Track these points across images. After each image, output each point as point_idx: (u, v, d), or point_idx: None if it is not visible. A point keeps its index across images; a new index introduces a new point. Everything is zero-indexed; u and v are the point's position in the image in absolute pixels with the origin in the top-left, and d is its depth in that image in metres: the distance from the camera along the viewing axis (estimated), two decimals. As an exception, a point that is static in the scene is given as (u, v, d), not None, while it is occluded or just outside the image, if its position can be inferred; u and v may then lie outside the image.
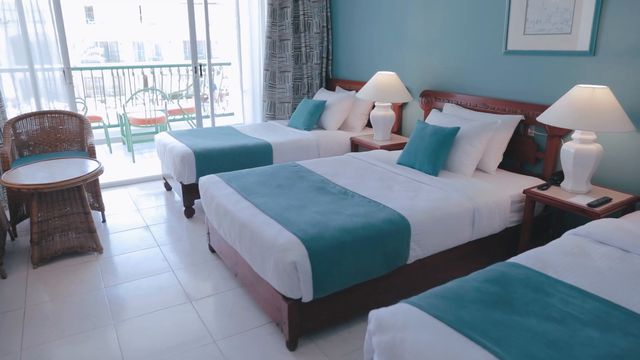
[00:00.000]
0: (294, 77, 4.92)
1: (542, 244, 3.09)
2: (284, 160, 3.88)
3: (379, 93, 3.84)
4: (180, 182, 3.58)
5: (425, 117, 3.92)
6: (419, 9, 3.88)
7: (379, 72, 3.95)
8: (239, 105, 5.09)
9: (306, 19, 4.77)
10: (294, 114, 4.51)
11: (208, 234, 3.04)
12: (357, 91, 4.57)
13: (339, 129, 4.45)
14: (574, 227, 3.02)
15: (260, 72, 4.90)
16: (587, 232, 2.09)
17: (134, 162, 5.44)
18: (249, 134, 4.15)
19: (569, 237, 2.09)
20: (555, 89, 2.98)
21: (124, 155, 5.82)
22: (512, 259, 1.88)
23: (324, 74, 5.07)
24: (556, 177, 2.79)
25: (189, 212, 3.67)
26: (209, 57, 4.63)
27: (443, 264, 2.55)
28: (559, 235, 3.05)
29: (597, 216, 2.40)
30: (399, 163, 3.23)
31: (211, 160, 3.54)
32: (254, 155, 3.73)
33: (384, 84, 3.85)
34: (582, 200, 2.53)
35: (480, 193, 2.67)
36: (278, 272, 1.97)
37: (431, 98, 3.85)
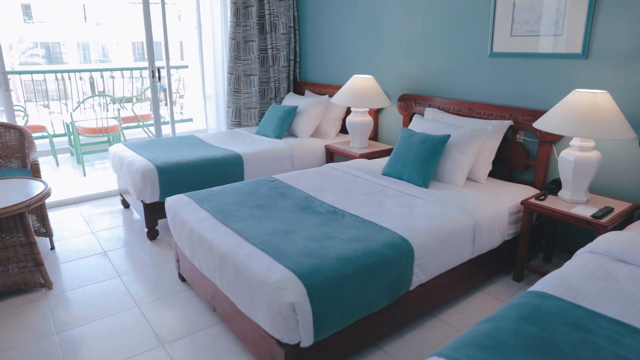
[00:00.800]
0: (260, 80, 4.60)
1: (536, 255, 2.98)
2: (255, 173, 3.57)
3: (355, 98, 3.61)
4: (142, 201, 3.19)
5: (404, 122, 3.72)
6: (397, 8, 3.68)
7: (355, 75, 3.72)
8: (201, 112, 4.71)
9: (272, 18, 4.47)
10: (262, 120, 4.20)
11: (177, 260, 2.68)
12: (330, 95, 4.32)
13: (312, 136, 4.19)
14: (568, 237, 2.94)
15: (224, 76, 4.55)
16: (604, 250, 1.93)
17: (84, 175, 4.93)
18: (215, 144, 3.80)
19: (586, 257, 1.92)
20: (547, 93, 2.85)
21: (73, 168, 5.28)
22: (537, 287, 1.68)
23: (291, 77, 4.79)
24: (553, 186, 2.66)
25: (153, 234, 3.29)
26: (167, 59, 4.22)
27: (444, 285, 2.34)
28: (553, 246, 2.93)
29: (604, 228, 2.27)
30: (384, 174, 3.00)
31: (176, 176, 3.17)
32: (223, 168, 3.39)
33: (360, 88, 3.62)
34: (585, 211, 2.39)
35: (478, 206, 2.49)
36: (272, 315, 1.68)
37: (410, 102, 3.65)
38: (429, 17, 3.46)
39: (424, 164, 2.79)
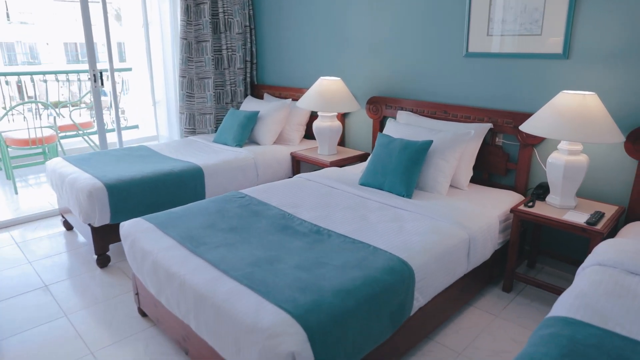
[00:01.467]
0: (216, 84, 4.25)
1: (520, 262, 2.87)
2: (218, 187, 3.24)
3: (323, 101, 3.37)
4: (89, 225, 2.78)
5: (374, 126, 3.54)
6: (363, 6, 3.49)
7: (322, 77, 3.48)
8: (150, 119, 4.29)
9: (226, 17, 4.14)
10: (220, 127, 3.86)
11: (137, 294, 2.32)
12: (293, 99, 4.06)
13: (275, 143, 3.91)
14: (551, 242, 2.87)
15: (175, 79, 4.16)
16: (614, 262, 1.82)
17: (15, 193, 4.35)
18: (171, 155, 3.43)
19: (597, 271, 1.79)
20: (527, 95, 2.75)
21: (1, 185, 4.66)
22: (560, 312, 1.52)
23: (248, 80, 4.48)
24: (539, 191, 2.56)
25: (103, 261, 2.88)
26: (111, 62, 3.78)
27: (440, 306, 2.16)
28: (536, 252, 2.85)
29: (600, 235, 2.18)
30: (362, 184, 2.79)
31: (129, 195, 2.79)
32: (182, 183, 3.04)
33: (328, 91, 3.39)
34: (577, 217, 2.30)
35: (469, 217, 2.33)
36: (266, 367, 1.40)
37: (380, 105, 3.47)
38: (398, 15, 3.29)
39: (406, 172, 2.61)
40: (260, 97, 4.48)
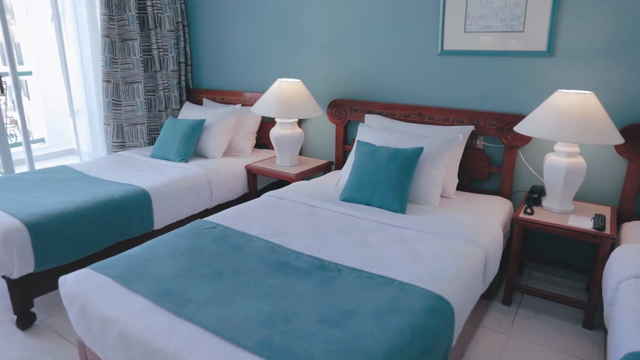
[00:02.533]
0: (146, 89, 3.66)
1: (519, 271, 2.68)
2: (168, 213, 2.72)
3: (283, 107, 2.99)
4: (4, 277, 2.13)
5: (337, 132, 3.23)
6: None
7: (280, 79, 3.09)
8: (63, 131, 3.58)
9: (156, 11, 3.57)
10: (159, 139, 3.30)
11: (86, 367, 1.77)
12: (244, 105, 3.60)
13: (224, 155, 3.44)
14: (538, 246, 2.78)
15: (98, 85, 3.50)
16: (653, 274, 1.69)
17: None
18: (103, 177, 2.83)
19: (637, 284, 1.65)
20: (510, 94, 2.62)
21: None
22: (635, 346, 1.33)
23: (183, 83, 3.93)
24: (535, 196, 2.42)
25: (26, 321, 2.23)
26: (13, 65, 3.05)
27: (467, 333, 1.91)
28: (525, 257, 2.71)
29: (611, 240, 2.07)
30: (346, 200, 2.46)
31: (59, 234, 2.19)
32: (126, 212, 2.48)
33: (288, 95, 3.01)
34: (582, 223, 2.19)
35: (477, 231, 2.11)
36: None
37: (344, 109, 3.17)
38: (362, 9, 3.00)
39: (398, 185, 2.33)
40: (198, 103, 3.95)
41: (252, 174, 3.25)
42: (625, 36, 2.26)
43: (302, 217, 2.27)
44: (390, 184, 2.33)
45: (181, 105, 3.94)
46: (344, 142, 3.27)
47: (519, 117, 2.55)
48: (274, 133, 3.13)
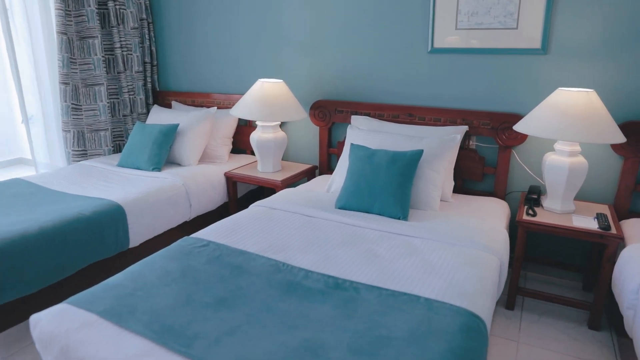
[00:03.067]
0: (109, 92, 3.35)
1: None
2: (145, 229, 2.46)
3: (266, 109, 2.79)
4: (-44, 315, 1.82)
5: (321, 135, 3.08)
6: (301, -4, 2.99)
7: (261, 80, 2.89)
8: (19, 140, 3.21)
9: (117, 7, 3.27)
10: (127, 147, 3.01)
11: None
12: (216, 107, 3.37)
13: (200, 162, 3.20)
14: (534, 249, 2.63)
15: (55, 87, 3.16)
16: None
17: None
18: (67, 190, 2.53)
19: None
20: (505, 93, 2.55)
21: None
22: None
23: (149, 85, 3.64)
24: (535, 196, 2.36)
25: (-16, 364, 1.93)
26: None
27: (483, 350, 1.80)
28: (520, 257, 2.65)
29: (618, 239, 2.03)
30: (343, 207, 2.31)
31: (20, 261, 1.90)
32: (99, 231, 2.21)
33: (270, 97, 2.82)
34: (587, 223, 2.14)
35: (486, 236, 2.02)
36: None
37: (328, 110, 3.02)
38: (347, 5, 2.86)
39: (400, 190, 2.20)
40: (167, 106, 3.68)
41: (232, 182, 3.03)
42: (619, 33, 2.24)
43: (300, 228, 2.10)
44: (391, 190, 2.20)
45: (148, 109, 3.65)
46: (329, 145, 3.11)
47: (514, 116, 2.49)
48: (255, 137, 2.92)
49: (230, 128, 3.29)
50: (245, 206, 3.32)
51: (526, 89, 2.49)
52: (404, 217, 2.18)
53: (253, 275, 1.66)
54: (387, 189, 2.20)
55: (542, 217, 2.22)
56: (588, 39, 2.31)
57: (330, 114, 3.02)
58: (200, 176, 2.88)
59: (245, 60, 3.31)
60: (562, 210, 2.27)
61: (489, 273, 1.74)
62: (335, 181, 2.61)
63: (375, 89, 2.90)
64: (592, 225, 2.12)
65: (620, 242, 2.05)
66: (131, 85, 3.46)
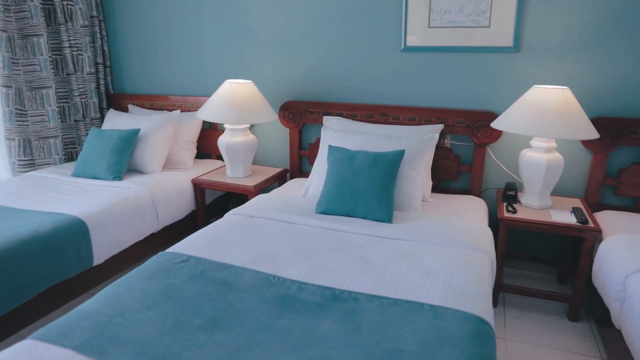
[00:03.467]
0: (59, 95, 3.08)
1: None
2: (110, 244, 2.26)
3: (235, 111, 2.65)
4: None
5: (292, 137, 2.98)
6: (267, -8, 2.87)
7: (230, 81, 2.74)
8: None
9: (65, 3, 3.01)
10: (82, 155, 2.78)
11: None
12: (179, 110, 3.17)
13: (164, 169, 3.00)
14: (509, 244, 2.74)
15: (-6, 92, 2.86)
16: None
17: None
18: (16, 205, 2.28)
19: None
20: (477, 91, 2.56)
21: None
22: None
23: (102, 88, 3.38)
24: (512, 193, 2.38)
25: None
26: None
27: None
28: (502, 255, 2.68)
29: (597, 233, 2.08)
30: (324, 212, 2.22)
31: (-29, 288, 1.67)
32: (59, 249, 1.99)
33: (240, 98, 2.68)
34: (565, 218, 2.19)
35: (476, 236, 2.00)
36: None
37: (299, 111, 2.92)
38: (318, 3, 2.77)
39: (384, 191, 2.15)
40: (123, 110, 3.43)
41: (200, 189, 2.86)
42: (588, 31, 2.30)
43: (283, 236, 1.99)
44: (375, 192, 2.14)
45: (102, 114, 3.39)
46: (300, 147, 3.02)
47: (489, 114, 2.51)
48: (224, 141, 2.77)
49: (194, 132, 3.12)
50: (214, 214, 3.17)
51: (499, 87, 2.52)
52: (389, 219, 2.12)
53: (243, 290, 1.54)
54: (370, 192, 2.14)
55: (522, 213, 2.24)
56: (558, 37, 2.35)
57: (300, 115, 2.93)
58: (166, 184, 2.70)
59: (209, 60, 3.14)
60: (540, 205, 2.30)
61: (484, 273, 1.72)
62: (312, 185, 2.52)
63: (348, 88, 2.83)
64: (571, 219, 2.16)
65: (598, 235, 2.10)
66: (83, 88, 3.20)
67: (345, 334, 1.31)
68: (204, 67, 3.17)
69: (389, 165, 2.17)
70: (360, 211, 2.16)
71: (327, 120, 2.79)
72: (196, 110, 3.20)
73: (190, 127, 3.09)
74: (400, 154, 2.20)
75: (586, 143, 2.39)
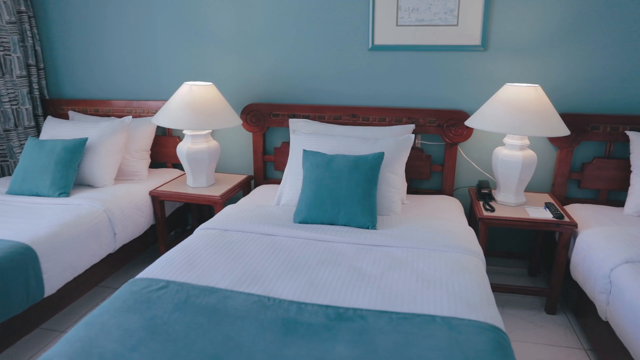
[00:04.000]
0: (-16, 102, 2.70)
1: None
2: (63, 270, 1.99)
3: (198, 116, 2.45)
4: None
5: (255, 141, 2.83)
6: (224, -12, 2.68)
7: (189, 83, 2.53)
8: None
9: (-12, -3, 2.64)
10: (19, 170, 2.45)
11: None
12: (131, 116, 2.90)
13: (116, 181, 2.73)
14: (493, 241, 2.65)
15: None
16: (642, 258, 1.75)
17: None
18: (-56, 234, 1.94)
19: (635, 268, 1.68)
20: (447, 90, 2.55)
21: None
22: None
23: (36, 93, 3.02)
24: (486, 191, 2.39)
25: None
26: None
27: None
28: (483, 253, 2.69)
29: (572, 227, 2.13)
30: (303, 222, 2.10)
31: None
32: (2, 282, 1.71)
33: (201, 102, 2.48)
34: (541, 213, 2.22)
35: (463, 238, 1.97)
36: None
37: (263, 114, 2.77)
38: (279, 1, 2.63)
39: (366, 197, 2.06)
40: (62, 117, 3.09)
41: (160, 201, 2.63)
42: (552, 30, 2.35)
43: (266, 251, 1.85)
44: (357, 197, 2.05)
45: (37, 122, 3.03)
46: (264, 152, 2.87)
47: (460, 113, 2.50)
48: (185, 149, 2.56)
49: (147, 139, 2.87)
50: (172, 228, 2.94)
51: (469, 86, 2.52)
52: (373, 225, 2.04)
53: (238, 318, 1.38)
54: (353, 197, 2.05)
55: (501, 211, 2.25)
56: (524, 36, 2.39)
57: (264, 118, 2.78)
58: (122, 198, 2.44)
59: (161, 61, 2.90)
60: (516, 202, 2.32)
61: (482, 277, 1.68)
62: (285, 192, 2.39)
63: (314, 89, 2.72)
64: (547, 215, 2.20)
65: (574, 229, 2.15)
66: (13, 93, 2.83)
67: (364, 358, 1.20)
68: (155, 68, 2.92)
69: (369, 169, 2.09)
70: (342, 218, 2.06)
71: (294, 123, 2.66)
72: (148, 116, 2.95)
73: (143, 134, 2.83)
74: (380, 157, 2.13)
75: (552, 139, 2.46)
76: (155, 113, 2.95)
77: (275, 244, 1.91)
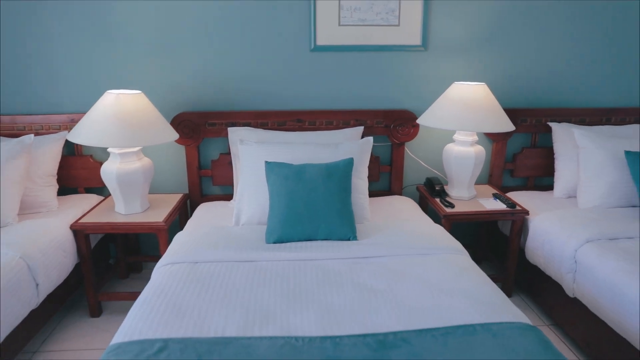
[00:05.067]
0: None
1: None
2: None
3: (128, 130, 2.07)
4: None
5: (189, 155, 2.54)
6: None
7: (113, 91, 2.12)
8: None
9: None
10: None
11: None
12: (32, 134, 2.35)
13: (20, 216, 2.19)
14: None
15: None
16: (598, 235, 1.94)
17: None
18: None
19: (602, 245, 1.86)
20: (391, 90, 2.56)
21: None
22: None
23: None
24: (439, 188, 2.45)
25: None
26: None
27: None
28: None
29: (524, 214, 2.29)
30: (278, 241, 1.92)
31: None
32: None
33: (131, 113, 2.10)
34: (495, 205, 2.35)
35: (443, 238, 1.99)
36: None
37: (196, 124, 2.48)
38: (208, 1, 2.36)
39: (344, 206, 1.96)
40: None
41: (85, 236, 2.18)
42: (483, 32, 2.50)
43: (255, 281, 1.63)
44: (336, 208, 1.93)
45: None
46: (199, 166, 2.57)
47: (406, 113, 2.53)
48: (113, 170, 2.16)
49: (53, 161, 2.36)
50: (102, 264, 2.48)
51: (412, 85, 2.56)
52: (354, 236, 1.95)
53: (269, 368, 1.18)
54: (331, 208, 1.93)
55: (459, 206, 2.33)
56: (460, 36, 2.49)
57: (198, 129, 2.48)
58: (39, 238, 1.96)
59: (64, 67, 2.40)
60: (469, 196, 2.42)
61: (481, 274, 1.70)
62: (245, 210, 2.16)
63: (253, 93, 2.52)
64: (500, 205, 2.33)
65: (525, 216, 2.32)
66: None
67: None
68: (58, 76, 2.41)
69: (343, 177, 1.99)
70: (322, 232, 1.92)
71: (234, 132, 2.43)
72: (51, 133, 2.43)
73: (47, 155, 2.32)
74: (350, 163, 2.04)
75: (489, 133, 2.62)
76: (59, 130, 2.45)
77: (260, 271, 1.70)
